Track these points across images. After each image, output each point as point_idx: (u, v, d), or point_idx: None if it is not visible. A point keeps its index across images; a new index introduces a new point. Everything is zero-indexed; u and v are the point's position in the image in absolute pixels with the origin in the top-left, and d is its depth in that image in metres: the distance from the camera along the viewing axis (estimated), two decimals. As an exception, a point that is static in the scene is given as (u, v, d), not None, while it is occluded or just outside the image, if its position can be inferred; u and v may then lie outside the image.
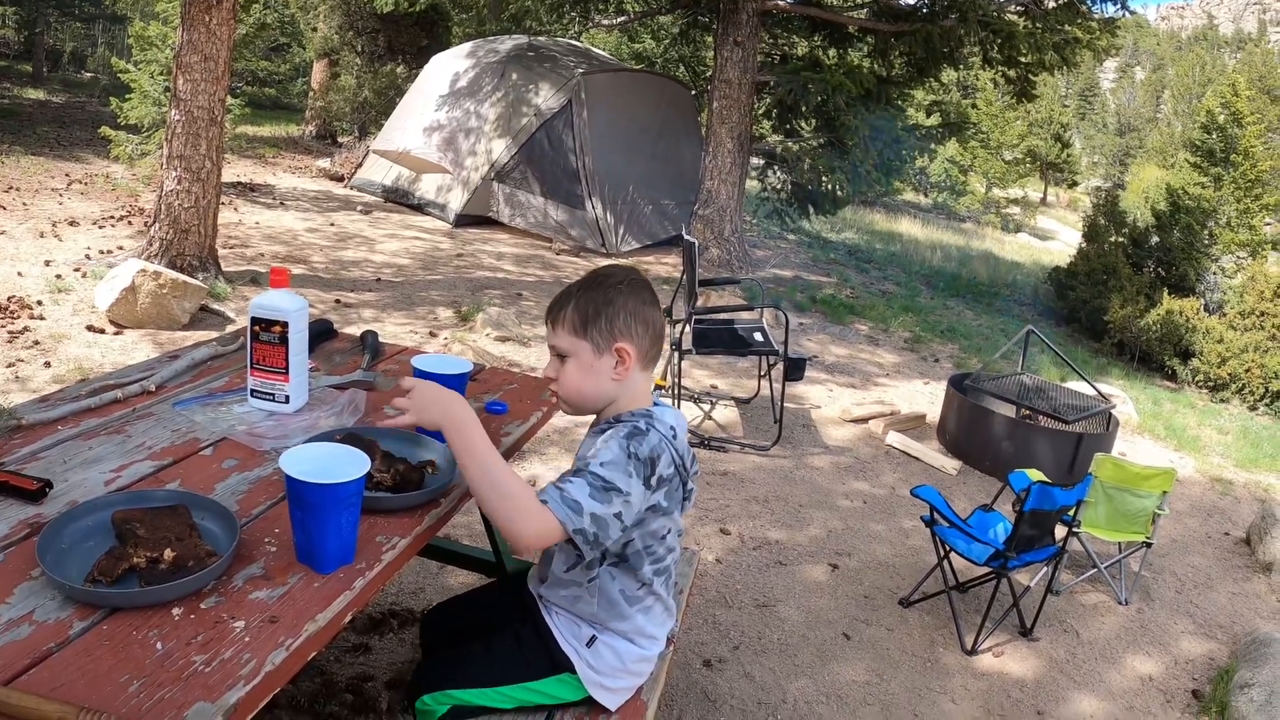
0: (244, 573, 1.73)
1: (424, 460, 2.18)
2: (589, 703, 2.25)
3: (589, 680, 2.20)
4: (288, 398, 2.42)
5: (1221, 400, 12.67)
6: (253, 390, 2.44)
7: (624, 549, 2.08)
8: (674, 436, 2.04)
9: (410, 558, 1.96)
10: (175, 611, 1.60)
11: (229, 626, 1.58)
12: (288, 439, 2.25)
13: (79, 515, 1.80)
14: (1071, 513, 4.32)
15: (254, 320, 2.37)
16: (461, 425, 1.94)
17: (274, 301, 2.36)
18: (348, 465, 1.78)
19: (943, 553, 4.25)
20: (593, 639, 2.19)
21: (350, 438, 2.13)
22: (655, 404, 2.17)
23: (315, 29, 18.27)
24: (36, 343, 5.63)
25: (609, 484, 1.92)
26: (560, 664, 2.21)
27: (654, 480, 1.98)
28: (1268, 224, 17.76)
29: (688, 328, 5.99)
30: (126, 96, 10.83)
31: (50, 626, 1.53)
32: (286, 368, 2.38)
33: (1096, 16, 11.13)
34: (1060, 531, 4.40)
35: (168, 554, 1.69)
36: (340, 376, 2.74)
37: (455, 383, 2.38)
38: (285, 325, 2.34)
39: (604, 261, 10.21)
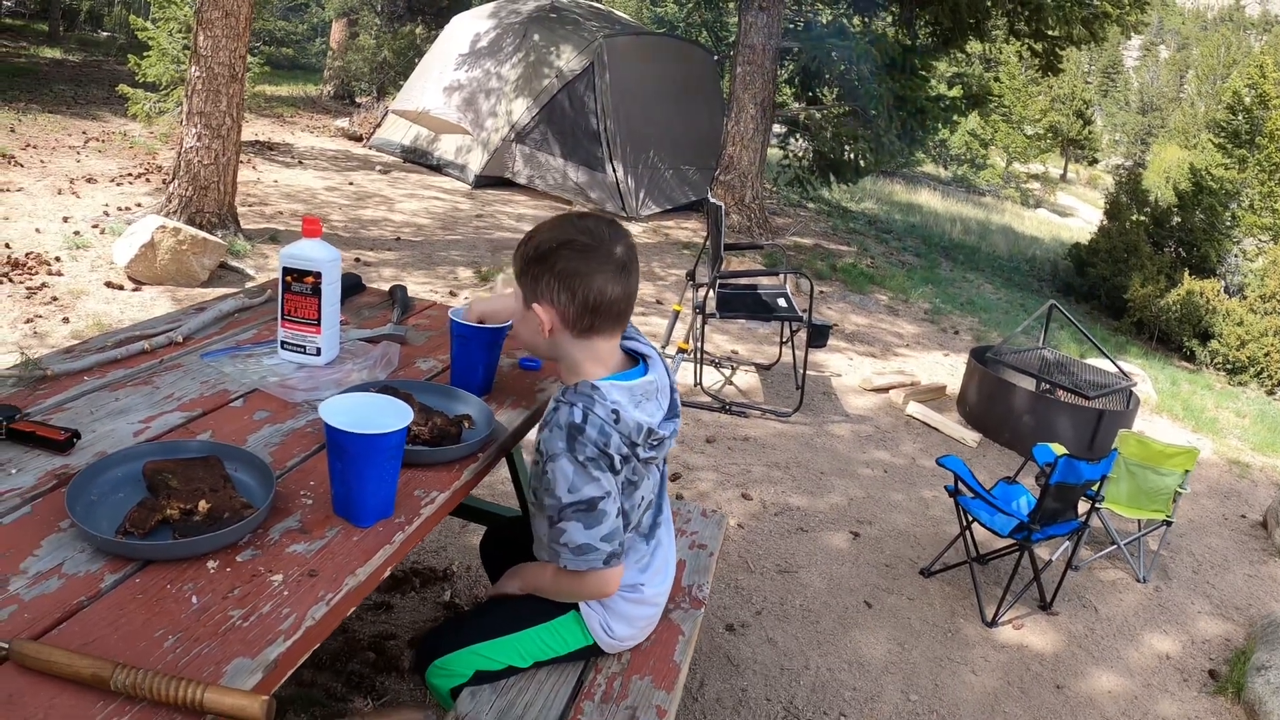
0: (280, 526, 1.71)
1: (460, 414, 2.15)
2: (618, 659, 2.24)
3: (588, 618, 2.20)
4: (319, 350, 2.38)
5: (1239, 383, 12.60)
6: (283, 342, 2.40)
7: None
8: (615, 420, 1.94)
9: (448, 513, 1.94)
10: (210, 565, 1.57)
11: (266, 580, 1.55)
12: (319, 391, 2.22)
13: (109, 466, 1.77)
14: (1096, 488, 4.28)
15: (286, 270, 2.33)
16: (530, 588, 2.25)
17: (307, 252, 2.32)
18: (389, 416, 1.75)
19: (965, 523, 4.22)
20: None
21: (385, 391, 2.10)
22: (650, 361, 2.12)
23: (334, -12, 18.16)
24: (55, 299, 5.61)
25: (589, 503, 1.92)
26: (568, 603, 2.21)
27: (617, 464, 1.95)
28: (1290, 208, 17.62)
29: (712, 292, 5.95)
30: (145, 54, 10.75)
31: (81, 579, 1.50)
32: (318, 319, 2.34)
33: (1127, -9, 11.03)
34: (1083, 506, 4.37)
35: (202, 506, 1.66)
36: (371, 330, 2.71)
37: (491, 335, 2.34)
38: (318, 276, 2.30)
39: (625, 226, 10.15)
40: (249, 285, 6.20)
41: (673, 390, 2.16)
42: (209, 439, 1.97)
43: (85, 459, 1.83)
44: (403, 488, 1.85)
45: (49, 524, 1.62)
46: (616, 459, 1.94)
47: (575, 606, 2.20)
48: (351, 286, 3.01)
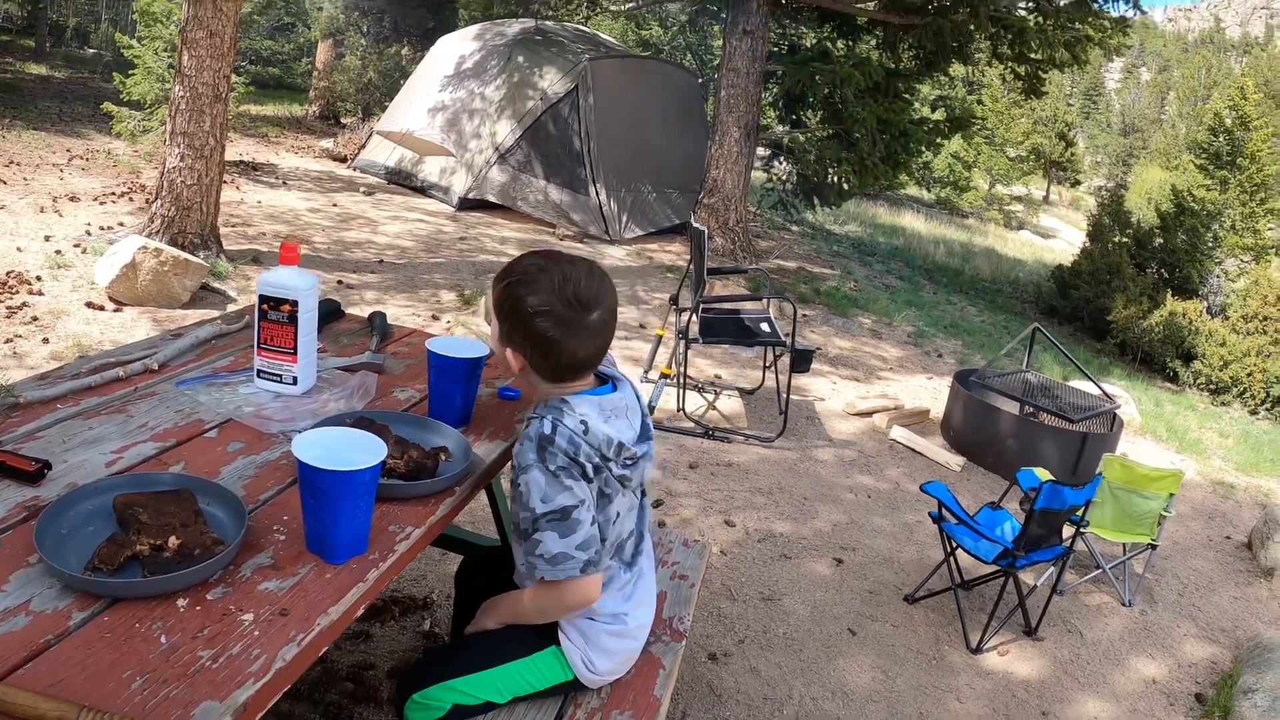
0: (252, 562, 1.68)
1: (437, 446, 2.13)
2: (598, 694, 2.21)
3: (569, 652, 2.17)
4: (295, 379, 2.36)
5: (1223, 403, 12.67)
6: (259, 371, 2.38)
7: None
8: (584, 431, 1.96)
9: (424, 548, 1.91)
10: (180, 603, 1.55)
11: (237, 619, 1.53)
12: (295, 421, 2.20)
13: (79, 499, 1.75)
14: (1080, 512, 4.27)
15: (262, 298, 2.30)
16: (508, 618, 2.21)
17: (283, 279, 2.29)
18: (362, 451, 1.73)
19: (949, 549, 4.21)
20: None
21: (361, 422, 2.08)
22: (619, 383, 2.13)
23: (320, 9, 18.17)
24: (35, 319, 5.57)
25: (562, 511, 1.93)
26: (548, 635, 2.18)
27: (589, 472, 1.96)
28: (1271, 228, 17.78)
29: (694, 317, 5.94)
30: (130, 72, 10.73)
31: (48, 617, 1.47)
32: (295, 348, 2.32)
33: (1109, 15, 11.07)
34: (1067, 531, 4.36)
35: (172, 541, 1.63)
36: (348, 358, 2.68)
37: (470, 366, 2.32)
38: (295, 304, 2.28)
39: (608, 249, 10.15)
40: (229, 308, 6.17)
41: (644, 414, 2.16)
42: (181, 471, 1.94)
43: (56, 490, 1.81)
44: (377, 522, 1.82)
45: (18, 558, 1.60)
46: (588, 467, 1.95)
47: (555, 641, 2.17)
48: (330, 313, 2.99)
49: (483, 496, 4.06)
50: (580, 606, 2.09)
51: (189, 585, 1.58)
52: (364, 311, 6.27)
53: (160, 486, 1.81)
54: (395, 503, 1.94)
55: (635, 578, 2.23)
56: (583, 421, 1.96)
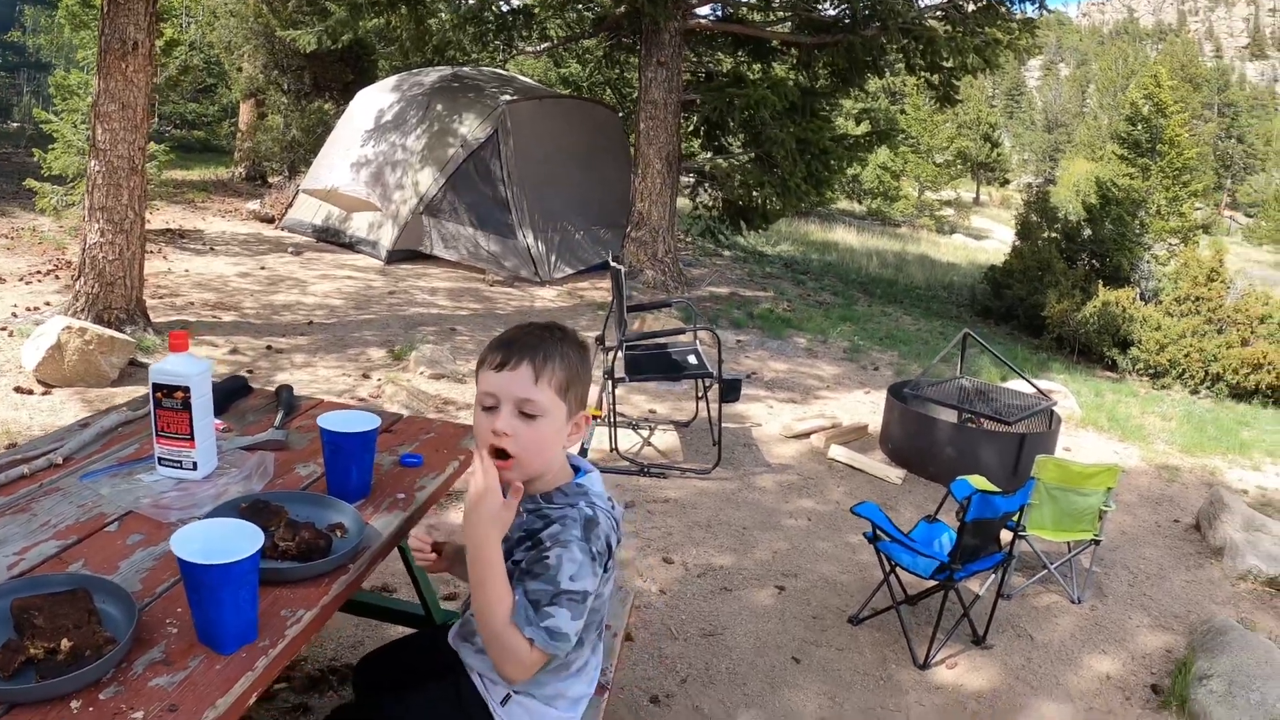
0: (144, 658, 1.67)
1: (333, 524, 2.11)
2: None
3: None
4: (195, 464, 2.34)
5: (1163, 387, 12.85)
6: (160, 458, 2.36)
7: None
8: (611, 507, 2.01)
9: (318, 630, 1.90)
10: (74, 705, 1.54)
11: (128, 718, 1.51)
12: (195, 508, 2.18)
13: (-24, 605, 1.73)
14: (1015, 518, 4.31)
15: (155, 387, 2.29)
16: (480, 564, 1.91)
17: (174, 366, 2.28)
18: (240, 541, 1.72)
19: (888, 568, 4.22)
20: (507, 697, 2.10)
21: (257, 504, 2.07)
22: (577, 470, 2.10)
23: (240, 69, 18.06)
24: (-39, 407, 5.50)
25: (582, 595, 1.91)
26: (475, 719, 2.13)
27: (609, 563, 1.98)
28: (1198, 209, 18.15)
29: (619, 355, 5.93)
30: (50, 146, 10.64)
31: (-53, 725, 1.46)
32: (191, 434, 2.31)
33: (1016, 17, 11.29)
34: (1006, 537, 4.39)
35: (65, 644, 1.62)
36: (251, 437, 2.67)
37: (363, 440, 2.31)
38: (187, 390, 2.27)
39: (539, 291, 10.17)
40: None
41: None
42: (80, 568, 1.92)
43: (-44, 597, 1.78)
44: (269, 607, 1.81)
45: (-82, 667, 1.58)
46: (610, 552, 1.98)
47: None
48: (237, 390, 2.97)
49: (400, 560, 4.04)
50: (518, 676, 1.98)
51: (82, 687, 1.57)
52: (292, 377, 6.22)
53: (55, 588, 1.79)
54: (287, 586, 1.92)
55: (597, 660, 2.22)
56: (609, 498, 2.02)
